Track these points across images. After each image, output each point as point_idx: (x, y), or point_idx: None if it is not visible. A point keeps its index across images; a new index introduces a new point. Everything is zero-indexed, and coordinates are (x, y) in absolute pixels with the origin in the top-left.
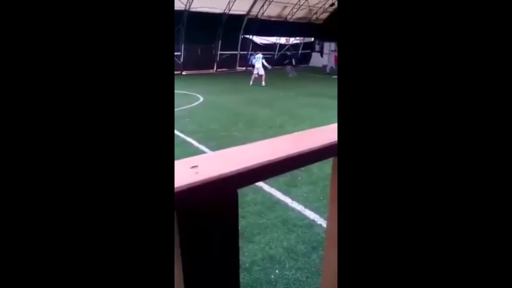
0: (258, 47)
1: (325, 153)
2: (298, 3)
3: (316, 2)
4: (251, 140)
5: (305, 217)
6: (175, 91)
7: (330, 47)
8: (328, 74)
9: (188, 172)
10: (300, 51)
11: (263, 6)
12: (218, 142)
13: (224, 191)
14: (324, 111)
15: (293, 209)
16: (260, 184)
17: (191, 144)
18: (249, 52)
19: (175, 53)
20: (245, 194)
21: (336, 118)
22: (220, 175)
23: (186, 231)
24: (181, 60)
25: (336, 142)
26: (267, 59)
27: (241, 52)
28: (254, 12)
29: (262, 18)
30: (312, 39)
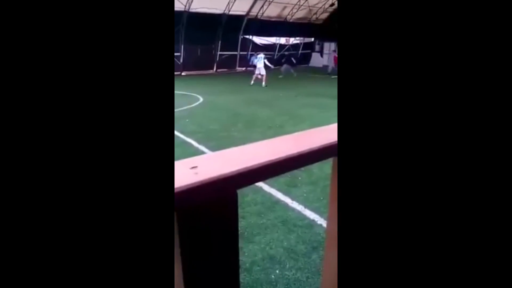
0: (258, 48)
1: (325, 153)
2: (298, 3)
3: (316, 2)
4: (251, 140)
5: (305, 217)
6: (175, 91)
7: (330, 47)
8: (329, 74)
9: (188, 172)
10: (300, 51)
11: (262, 6)
12: (218, 142)
13: (224, 192)
14: (324, 111)
15: (293, 209)
16: (260, 184)
17: (191, 145)
18: (249, 53)
19: (175, 54)
20: (245, 194)
21: (336, 118)
22: (220, 175)
23: (186, 232)
24: (181, 60)
25: (336, 142)
26: (267, 60)
27: (241, 53)
28: (253, 12)
29: (262, 18)
30: (312, 39)
